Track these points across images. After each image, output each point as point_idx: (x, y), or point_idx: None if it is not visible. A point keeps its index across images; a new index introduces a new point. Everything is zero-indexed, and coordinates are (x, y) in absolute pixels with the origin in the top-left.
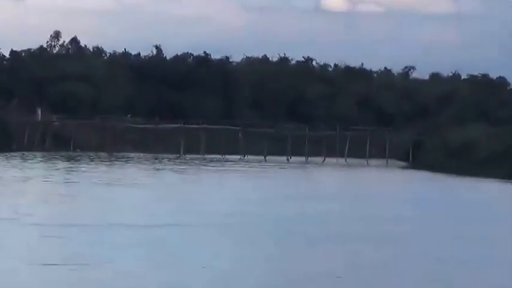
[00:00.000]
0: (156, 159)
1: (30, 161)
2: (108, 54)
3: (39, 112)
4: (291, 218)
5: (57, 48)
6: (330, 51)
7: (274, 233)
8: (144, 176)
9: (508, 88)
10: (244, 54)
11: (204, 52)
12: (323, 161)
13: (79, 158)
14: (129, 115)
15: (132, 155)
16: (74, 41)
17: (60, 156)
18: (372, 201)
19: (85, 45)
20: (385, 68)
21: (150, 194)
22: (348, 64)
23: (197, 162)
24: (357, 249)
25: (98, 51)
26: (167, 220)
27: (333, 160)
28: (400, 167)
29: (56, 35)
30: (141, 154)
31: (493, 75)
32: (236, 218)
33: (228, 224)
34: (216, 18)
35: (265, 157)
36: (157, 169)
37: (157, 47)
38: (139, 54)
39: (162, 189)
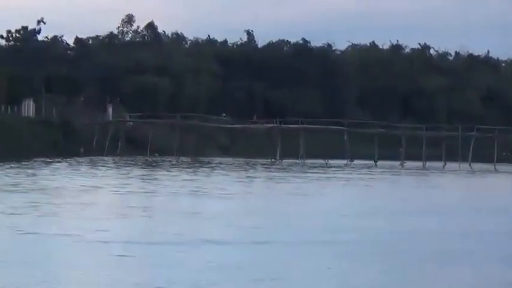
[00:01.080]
0: (248, 164)
1: (100, 168)
2: (189, 42)
3: (110, 110)
4: (403, 236)
5: (130, 35)
6: (450, 37)
7: (382, 253)
8: (233, 185)
9: None
10: (349, 41)
11: (303, 39)
12: (443, 167)
13: (157, 163)
14: (224, 114)
15: (219, 159)
16: (150, 26)
17: (135, 161)
18: (505, 216)
19: (163, 32)
20: None
21: (239, 207)
22: (471, 52)
23: (295, 168)
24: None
25: (178, 38)
26: (261, 237)
27: (455, 165)
28: None
29: (129, 19)
30: (230, 159)
31: None
32: (338, 235)
33: (328, 242)
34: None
35: (375, 162)
36: (249, 177)
37: (248, 33)
38: (226, 41)
39: (254, 201)
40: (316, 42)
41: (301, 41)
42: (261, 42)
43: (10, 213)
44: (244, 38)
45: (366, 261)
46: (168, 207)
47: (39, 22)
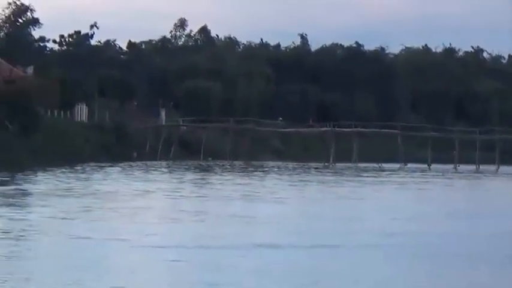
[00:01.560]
0: (301, 168)
1: (152, 172)
2: (242, 46)
3: (163, 114)
4: (455, 240)
5: (182, 39)
6: (504, 40)
7: (433, 256)
8: (286, 189)
9: None
10: (402, 45)
11: (356, 42)
12: (497, 170)
13: (210, 167)
14: (280, 118)
15: (272, 163)
16: (203, 30)
17: (188, 165)
18: None
19: (216, 36)
20: None
21: (292, 211)
22: None
23: (348, 172)
24: None
25: (231, 42)
26: (313, 241)
27: (509, 168)
28: None
29: (181, 23)
30: (284, 163)
31: None
32: (390, 239)
33: (380, 246)
34: (369, 2)
35: (429, 165)
36: (302, 180)
37: (302, 37)
38: (279, 45)
39: (307, 205)
40: (370, 45)
41: (354, 45)
42: (314, 45)
43: (62, 218)
44: (298, 42)
45: (415, 265)
46: (221, 212)
47: (92, 27)
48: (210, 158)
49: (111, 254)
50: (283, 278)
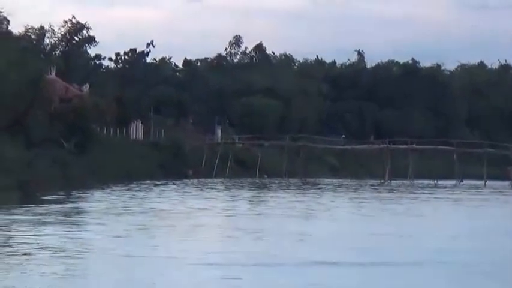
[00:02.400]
0: (357, 185)
1: (208, 190)
2: (298, 63)
3: (219, 132)
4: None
5: (238, 57)
6: None
7: (490, 276)
8: (343, 207)
9: None
10: (458, 61)
11: (412, 59)
12: None
13: (266, 185)
14: (343, 135)
15: (328, 181)
16: (259, 47)
17: (244, 183)
18: None
19: (273, 53)
20: None
21: (348, 228)
22: None
23: (404, 189)
24: None
25: (287, 59)
26: (370, 258)
27: None
28: None
29: (237, 40)
30: (340, 180)
31: None
32: (446, 256)
33: (437, 263)
34: (425, 19)
35: (485, 182)
36: (358, 198)
37: (359, 53)
38: (334, 62)
39: (363, 222)
40: (425, 62)
41: (410, 61)
42: (370, 62)
43: (117, 236)
44: (354, 58)
45: (479, 282)
46: (277, 229)
47: (148, 45)
48: (265, 176)
49: (168, 272)
50: None
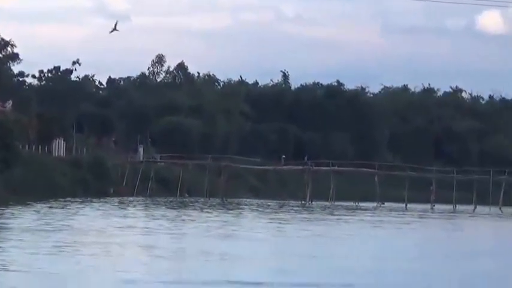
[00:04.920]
0: (278, 206)
1: (129, 208)
2: (221, 83)
3: (141, 150)
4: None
5: (161, 76)
6: (483, 81)
7: None
8: (262, 227)
9: None
10: (382, 84)
11: (337, 81)
12: (473, 210)
13: (187, 204)
14: (283, 156)
15: (249, 201)
16: (181, 67)
17: (165, 202)
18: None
19: (198, 73)
20: None
21: (268, 248)
22: (503, 96)
23: (325, 210)
24: None
25: (210, 79)
26: (292, 278)
27: (485, 209)
28: None
29: (159, 59)
30: (260, 200)
31: None
32: (367, 278)
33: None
34: (351, 41)
35: (405, 205)
36: (277, 219)
37: (284, 74)
38: (257, 82)
39: (282, 243)
40: (350, 84)
41: (335, 83)
42: (294, 83)
43: (32, 253)
44: (278, 79)
45: None
46: (196, 248)
47: (74, 63)
48: (186, 195)
49: None
50: None
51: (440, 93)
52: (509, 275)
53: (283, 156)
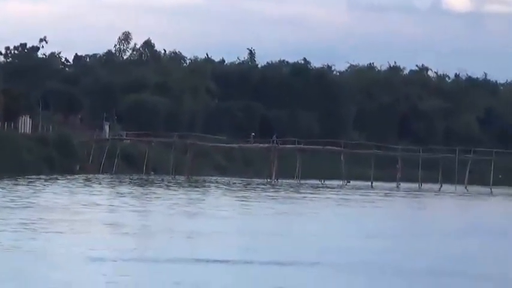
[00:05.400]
0: (243, 184)
1: (95, 186)
2: (188, 61)
3: (107, 128)
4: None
5: (127, 53)
6: (449, 59)
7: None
8: (228, 205)
9: None
10: (348, 62)
11: (304, 59)
12: (439, 189)
13: (152, 182)
14: (253, 134)
15: (215, 179)
16: (147, 44)
17: (131, 179)
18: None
19: (164, 50)
20: None
21: (233, 226)
22: (470, 75)
23: (291, 188)
24: None
25: (176, 56)
26: (249, 256)
27: (451, 188)
28: None
29: (126, 37)
30: (226, 178)
31: None
32: (330, 256)
33: (313, 263)
34: (317, 19)
35: (371, 183)
36: (242, 196)
37: (250, 52)
38: (223, 60)
39: (245, 221)
40: (316, 63)
41: (301, 61)
42: (260, 61)
43: None
44: (245, 57)
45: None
46: (162, 226)
47: (41, 40)
48: (152, 172)
49: (46, 266)
50: None
51: (406, 72)
52: (469, 250)
53: (253, 134)
